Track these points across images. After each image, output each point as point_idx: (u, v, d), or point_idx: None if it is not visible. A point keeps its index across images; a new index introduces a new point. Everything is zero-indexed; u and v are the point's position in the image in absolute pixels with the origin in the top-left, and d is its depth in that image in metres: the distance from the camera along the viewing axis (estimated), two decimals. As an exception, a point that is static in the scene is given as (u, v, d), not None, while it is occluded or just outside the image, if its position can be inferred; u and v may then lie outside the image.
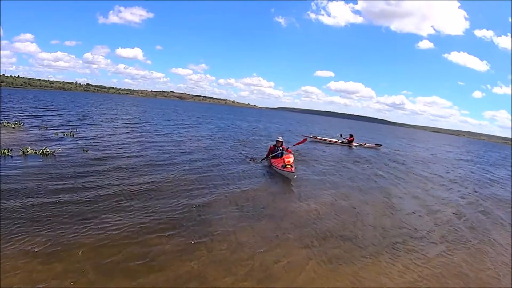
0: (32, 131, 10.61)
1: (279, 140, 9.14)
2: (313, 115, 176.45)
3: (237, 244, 3.85)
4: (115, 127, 14.55)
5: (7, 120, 11.87)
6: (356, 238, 4.49)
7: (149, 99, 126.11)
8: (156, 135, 13.38)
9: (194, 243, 3.73)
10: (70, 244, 3.37)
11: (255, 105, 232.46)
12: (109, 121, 17.28)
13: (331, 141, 18.20)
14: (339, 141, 17.96)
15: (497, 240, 5.19)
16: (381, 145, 19.31)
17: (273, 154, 8.89)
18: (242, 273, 3.22)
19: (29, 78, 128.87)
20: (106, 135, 11.62)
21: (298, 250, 3.91)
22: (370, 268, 3.65)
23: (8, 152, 6.97)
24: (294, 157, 8.26)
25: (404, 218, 5.72)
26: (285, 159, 8.01)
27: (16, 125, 11.11)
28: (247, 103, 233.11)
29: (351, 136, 18.10)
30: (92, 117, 18.47)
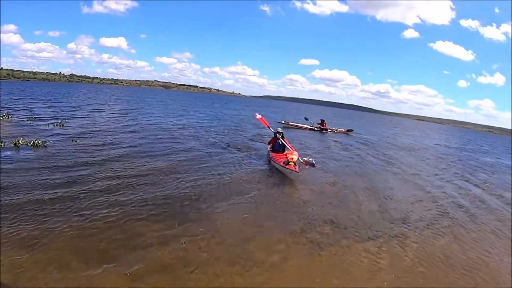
0: (21, 123, 10.50)
1: (279, 131, 8.45)
2: (298, 103, 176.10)
3: (223, 230, 3.96)
4: (105, 118, 14.44)
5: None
6: (353, 224, 4.62)
7: (134, 88, 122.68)
8: (148, 124, 13.36)
9: (181, 230, 3.83)
10: (56, 234, 3.44)
11: (239, 94, 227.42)
12: (98, 111, 17.07)
13: (302, 126, 18.24)
14: (312, 127, 18.12)
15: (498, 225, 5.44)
16: (352, 130, 19.62)
17: (271, 139, 8.54)
18: (227, 258, 3.32)
19: (12, 70, 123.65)
20: (96, 125, 11.59)
21: (283, 235, 4.00)
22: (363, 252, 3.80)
23: (0, 143, 6.99)
24: (298, 155, 7.28)
25: (399, 204, 5.89)
26: (288, 155, 7.12)
27: (5, 117, 10.98)
28: (231, 91, 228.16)
29: (322, 121, 18.33)
30: (81, 108, 18.17)
